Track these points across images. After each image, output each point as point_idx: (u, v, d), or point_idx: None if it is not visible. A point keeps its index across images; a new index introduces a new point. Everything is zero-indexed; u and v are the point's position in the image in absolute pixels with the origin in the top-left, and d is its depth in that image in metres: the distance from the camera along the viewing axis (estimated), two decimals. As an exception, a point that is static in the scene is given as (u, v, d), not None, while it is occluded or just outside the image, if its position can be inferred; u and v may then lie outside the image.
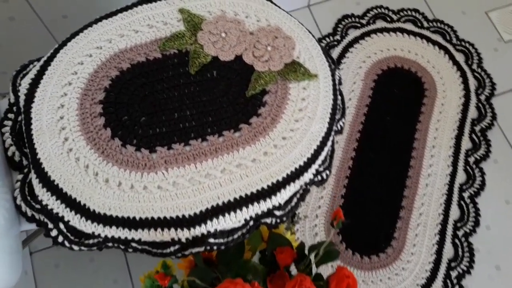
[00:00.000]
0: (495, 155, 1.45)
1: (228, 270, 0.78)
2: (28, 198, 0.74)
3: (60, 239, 0.72)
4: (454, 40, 1.60)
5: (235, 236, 0.72)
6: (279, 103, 0.77)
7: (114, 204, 0.69)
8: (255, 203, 0.70)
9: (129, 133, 0.74)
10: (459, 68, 1.55)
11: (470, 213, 1.37)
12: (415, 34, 1.60)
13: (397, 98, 1.50)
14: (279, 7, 0.86)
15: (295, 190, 0.73)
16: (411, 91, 1.51)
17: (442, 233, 1.34)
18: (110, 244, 0.73)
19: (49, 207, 0.70)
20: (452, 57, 1.57)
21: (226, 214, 0.69)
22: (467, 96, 1.51)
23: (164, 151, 0.73)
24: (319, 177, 0.78)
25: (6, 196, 0.74)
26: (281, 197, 0.71)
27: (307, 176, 0.74)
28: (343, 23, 1.61)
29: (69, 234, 0.71)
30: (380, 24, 1.62)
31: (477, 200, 1.39)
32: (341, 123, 0.83)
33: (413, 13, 1.64)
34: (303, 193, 0.76)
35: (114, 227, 0.69)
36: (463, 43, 1.60)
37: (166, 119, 0.75)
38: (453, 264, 1.31)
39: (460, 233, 1.35)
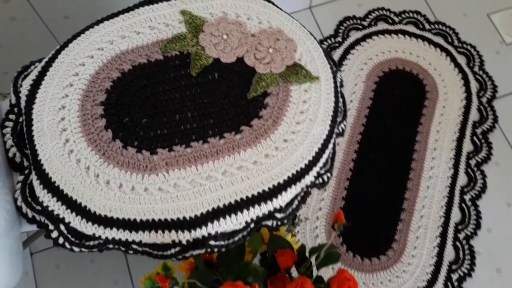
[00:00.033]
0: (496, 157, 1.45)
1: (229, 272, 0.78)
2: (29, 199, 0.74)
3: (61, 240, 0.72)
4: (456, 42, 1.60)
5: (236, 238, 0.72)
6: (280, 105, 0.77)
7: (115, 206, 0.69)
8: (256, 206, 0.70)
9: (130, 134, 0.74)
10: (461, 70, 1.55)
11: (471, 215, 1.37)
12: (416, 36, 1.60)
13: (399, 100, 1.50)
14: (280, 9, 0.86)
15: (296, 193, 0.73)
16: (413, 93, 1.51)
17: (443, 235, 1.33)
18: (110, 246, 0.73)
19: (49, 209, 0.69)
20: (453, 59, 1.57)
21: (227, 216, 0.69)
22: (468, 99, 1.51)
23: (165, 153, 0.72)
24: (320, 180, 0.78)
25: (6, 197, 0.74)
26: (282, 199, 0.71)
27: (308, 178, 0.73)
28: (344, 24, 1.61)
29: (69, 236, 0.71)
30: (381, 26, 1.62)
31: (478, 202, 1.39)
32: (342, 125, 0.83)
33: (415, 15, 1.64)
34: (304, 195, 0.76)
35: (114, 229, 0.69)
36: (464, 46, 1.60)
37: (167, 121, 0.75)
38: (454, 267, 1.31)
39: (461, 235, 1.34)
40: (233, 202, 0.69)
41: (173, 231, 0.68)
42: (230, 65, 0.80)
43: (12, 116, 0.80)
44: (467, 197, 1.39)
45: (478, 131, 1.47)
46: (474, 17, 1.65)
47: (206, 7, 0.84)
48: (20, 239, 0.81)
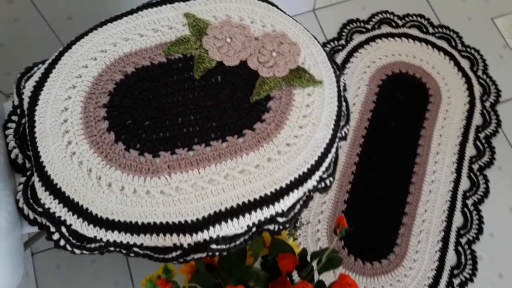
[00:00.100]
0: (499, 162, 1.45)
1: (230, 276, 0.78)
2: (31, 201, 0.73)
3: (62, 242, 0.72)
4: (460, 46, 1.60)
5: (237, 242, 0.71)
6: (283, 109, 0.77)
7: (116, 209, 0.69)
8: (258, 210, 0.69)
9: (133, 137, 0.74)
10: (464, 74, 1.55)
11: (473, 220, 1.37)
12: (420, 39, 1.60)
13: (402, 104, 1.50)
14: (284, 12, 0.86)
15: (299, 197, 0.72)
16: (416, 97, 1.51)
17: (445, 240, 1.33)
18: (111, 249, 0.72)
19: (51, 211, 0.69)
20: (457, 63, 1.56)
21: (229, 220, 0.69)
22: (472, 103, 1.51)
23: (168, 155, 0.72)
24: (323, 184, 0.77)
25: (8, 199, 0.74)
26: (284, 203, 0.71)
27: (311, 183, 0.73)
28: (348, 27, 1.61)
29: (71, 238, 0.71)
30: (385, 29, 1.62)
31: (480, 207, 1.38)
32: (345, 129, 0.83)
33: (419, 19, 1.64)
34: (306, 199, 0.75)
35: (116, 232, 0.69)
36: (468, 49, 1.59)
37: (170, 124, 0.75)
38: (455, 272, 1.30)
39: (463, 240, 1.34)
40: (235, 206, 0.69)
41: (174, 235, 0.68)
42: (233, 68, 0.80)
43: (14, 118, 0.80)
44: (469, 202, 1.39)
45: (481, 135, 1.47)
46: (478, 21, 1.65)
47: (209, 10, 0.84)
48: (21, 241, 0.81)
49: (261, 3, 0.85)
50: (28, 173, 0.76)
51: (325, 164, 0.75)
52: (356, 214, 1.34)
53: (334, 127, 0.76)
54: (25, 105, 0.76)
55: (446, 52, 1.58)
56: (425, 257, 1.31)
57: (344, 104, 0.81)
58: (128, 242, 0.70)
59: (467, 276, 1.30)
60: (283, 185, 0.71)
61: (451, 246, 1.33)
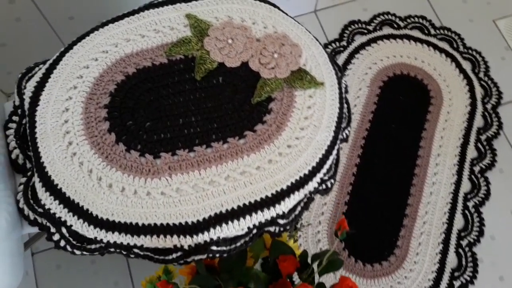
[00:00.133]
0: (500, 164, 1.44)
1: (230, 278, 0.78)
2: (31, 201, 0.73)
3: (62, 243, 0.72)
4: (461, 48, 1.59)
5: (238, 244, 0.71)
6: (284, 110, 0.76)
7: (117, 210, 0.68)
8: (259, 211, 0.69)
9: (134, 138, 0.74)
10: (466, 76, 1.55)
11: (474, 222, 1.36)
12: (422, 41, 1.59)
13: (403, 105, 1.49)
14: (286, 14, 0.86)
15: (299, 199, 0.72)
16: (417, 98, 1.51)
17: (446, 242, 1.33)
18: (112, 250, 0.72)
19: (51, 211, 0.69)
20: (458, 65, 1.56)
21: (229, 222, 0.68)
22: (473, 105, 1.51)
23: (168, 157, 0.72)
24: (324, 186, 0.77)
25: (9, 199, 0.74)
26: (285, 205, 0.71)
27: (312, 184, 0.73)
28: (349, 29, 1.61)
29: (71, 239, 0.71)
30: (386, 30, 1.61)
31: (481, 209, 1.38)
32: (346, 131, 0.83)
33: (420, 20, 1.64)
34: (307, 201, 0.75)
35: (116, 233, 0.68)
36: (470, 51, 1.59)
37: (171, 125, 0.75)
38: (456, 274, 1.30)
39: (464, 242, 1.34)
40: (235, 207, 0.69)
41: (175, 236, 0.68)
42: (234, 69, 0.80)
43: (15, 118, 0.80)
44: (470, 204, 1.38)
45: (483, 137, 1.47)
46: (480, 23, 1.65)
47: (211, 11, 0.84)
48: (22, 241, 0.81)
49: (262, 4, 0.85)
50: (29, 173, 0.75)
51: (326, 166, 0.75)
52: (356, 215, 1.34)
53: (335, 129, 0.76)
54: (26, 105, 0.76)
55: (448, 54, 1.58)
56: (426, 259, 1.30)
57: (345, 106, 0.81)
58: (128, 243, 0.69)
59: (468, 278, 1.30)
60: (284, 187, 0.71)
61: (452, 248, 1.32)
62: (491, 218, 1.37)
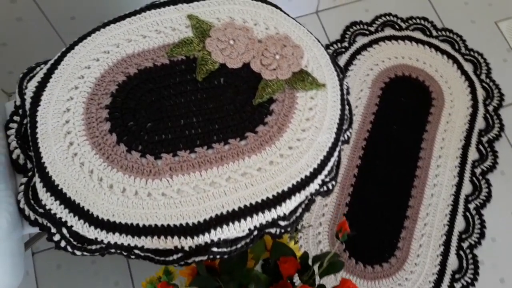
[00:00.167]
0: (502, 166, 1.44)
1: (231, 279, 0.78)
2: (32, 201, 0.73)
3: (63, 244, 0.71)
4: (463, 50, 1.59)
5: (239, 245, 0.71)
6: (286, 112, 0.76)
7: (117, 210, 0.68)
8: (260, 213, 0.69)
9: (135, 139, 0.74)
10: (467, 78, 1.54)
11: (475, 224, 1.36)
12: (423, 42, 1.59)
13: (404, 107, 1.49)
14: (288, 15, 0.85)
15: (301, 201, 0.72)
16: (419, 100, 1.51)
17: (447, 244, 1.33)
18: (112, 250, 0.72)
19: (52, 212, 0.69)
20: (460, 67, 1.56)
21: (230, 223, 0.68)
22: (474, 107, 1.50)
23: (169, 158, 0.72)
24: (325, 188, 0.77)
25: (9, 199, 0.74)
26: (286, 207, 0.70)
27: (313, 186, 0.73)
28: (351, 30, 1.61)
29: (71, 239, 0.71)
30: (388, 31, 1.61)
31: (483, 211, 1.38)
32: (348, 133, 0.82)
33: (422, 22, 1.63)
34: (308, 203, 0.75)
35: (117, 234, 0.68)
36: (472, 53, 1.59)
37: (172, 126, 0.75)
38: (457, 276, 1.30)
39: (465, 244, 1.33)
40: (236, 209, 0.69)
41: (175, 237, 0.68)
42: (236, 70, 0.80)
43: (16, 118, 0.80)
44: (471, 206, 1.38)
45: (484, 139, 1.47)
46: (482, 25, 1.65)
47: (213, 12, 0.84)
48: (22, 241, 0.81)
49: (264, 5, 0.85)
50: (30, 173, 0.75)
51: (328, 168, 0.75)
52: (357, 217, 1.34)
53: (337, 130, 0.76)
54: (27, 106, 0.76)
55: (450, 56, 1.57)
56: (427, 261, 1.30)
57: (347, 107, 0.81)
58: (129, 244, 0.69)
59: (469, 280, 1.30)
60: (285, 189, 0.70)
61: (453, 250, 1.32)
62: (492, 220, 1.37)
